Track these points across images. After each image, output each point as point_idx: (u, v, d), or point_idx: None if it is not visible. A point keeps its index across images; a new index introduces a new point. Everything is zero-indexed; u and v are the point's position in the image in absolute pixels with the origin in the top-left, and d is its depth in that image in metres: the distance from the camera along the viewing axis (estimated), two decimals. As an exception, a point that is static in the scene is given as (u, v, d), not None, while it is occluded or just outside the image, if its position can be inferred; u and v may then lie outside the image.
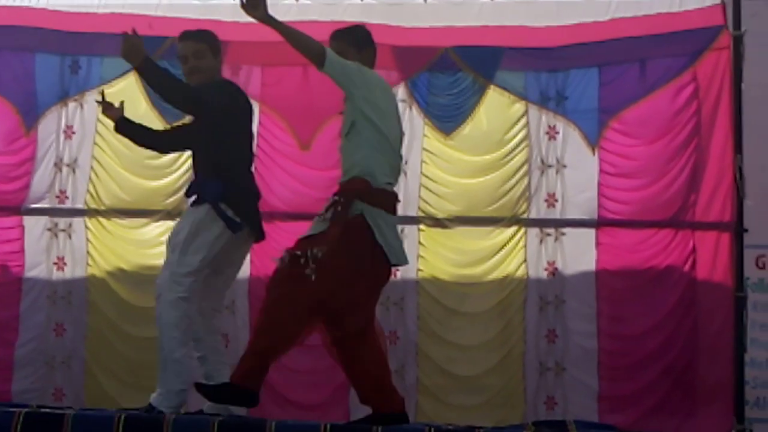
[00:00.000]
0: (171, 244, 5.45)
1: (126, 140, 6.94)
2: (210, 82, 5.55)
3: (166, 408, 5.19)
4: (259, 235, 5.66)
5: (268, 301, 5.09)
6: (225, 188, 5.39)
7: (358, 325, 5.12)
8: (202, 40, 5.62)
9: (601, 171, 7.22)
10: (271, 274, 5.18)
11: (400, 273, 7.01)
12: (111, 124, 7.08)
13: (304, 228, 7.02)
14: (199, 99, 5.39)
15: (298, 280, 4.91)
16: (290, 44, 5.12)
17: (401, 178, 6.96)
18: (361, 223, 5.04)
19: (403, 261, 5.35)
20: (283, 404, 7.03)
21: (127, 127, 5.92)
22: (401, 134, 5.46)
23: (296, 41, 5.13)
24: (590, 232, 7.20)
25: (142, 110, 7.39)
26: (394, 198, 5.30)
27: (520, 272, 7.13)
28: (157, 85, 5.36)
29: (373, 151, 5.12)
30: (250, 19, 6.95)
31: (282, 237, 7.11)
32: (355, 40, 5.40)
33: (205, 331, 5.52)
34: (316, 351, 6.79)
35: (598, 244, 7.17)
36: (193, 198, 5.59)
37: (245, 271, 7.16)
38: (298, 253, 4.97)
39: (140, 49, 5.21)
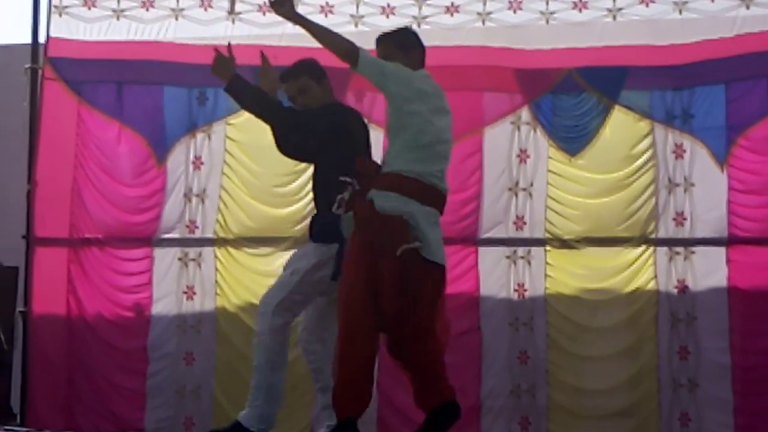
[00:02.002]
0: (290, 264, 6.03)
1: (254, 168, 8.72)
2: (317, 107, 6.13)
3: (254, 429, 5.84)
4: None
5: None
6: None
7: (402, 321, 5.55)
8: (301, 74, 6.20)
9: (730, 188, 8.71)
10: None
11: (527, 293, 8.61)
12: (238, 154, 8.93)
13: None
14: (294, 119, 6.05)
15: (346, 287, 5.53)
16: (321, 44, 5.65)
17: (526, 199, 8.67)
18: (400, 223, 5.52)
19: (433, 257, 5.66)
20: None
21: (237, 86, 6.13)
22: (450, 136, 5.84)
23: (327, 41, 5.65)
24: (720, 250, 8.70)
25: (268, 139, 8.99)
26: (428, 189, 5.63)
27: (650, 287, 8.62)
28: (248, 103, 6.10)
29: (409, 153, 5.58)
30: (371, 46, 8.71)
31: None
32: (400, 42, 5.83)
33: (326, 361, 6.07)
34: (446, 366, 8.44)
35: (729, 261, 8.66)
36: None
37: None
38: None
39: (230, 66, 6.01)
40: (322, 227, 6.01)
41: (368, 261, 5.50)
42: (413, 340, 5.65)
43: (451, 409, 5.72)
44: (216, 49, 6.11)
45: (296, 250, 6.31)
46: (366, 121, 8.70)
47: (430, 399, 5.72)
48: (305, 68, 6.29)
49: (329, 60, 8.66)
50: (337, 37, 5.70)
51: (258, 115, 6.20)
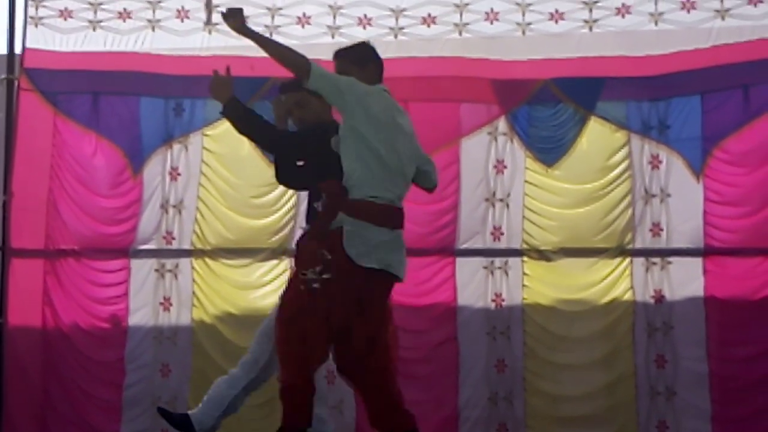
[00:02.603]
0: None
1: (231, 179, 8.72)
2: (312, 124, 6.12)
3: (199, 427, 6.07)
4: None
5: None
6: None
7: (363, 343, 5.62)
8: (301, 88, 5.94)
9: (707, 199, 8.76)
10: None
11: (505, 303, 8.65)
12: (215, 165, 8.93)
13: (407, 262, 8.75)
14: (288, 143, 6.01)
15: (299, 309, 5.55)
16: (272, 57, 5.62)
17: (503, 210, 8.69)
18: (339, 236, 5.52)
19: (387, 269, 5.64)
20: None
21: (235, 109, 6.03)
22: (411, 149, 5.84)
23: (278, 54, 5.63)
24: (697, 261, 8.75)
25: (245, 150, 9.07)
26: (383, 210, 5.62)
27: (627, 297, 8.67)
28: (244, 126, 5.97)
29: (360, 165, 5.56)
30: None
31: (386, 273, 8.78)
32: (356, 57, 5.87)
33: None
34: (422, 382, 8.51)
35: (705, 272, 8.71)
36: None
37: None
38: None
39: (228, 88, 5.96)
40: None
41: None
42: (361, 351, 5.65)
43: None
44: (215, 70, 6.04)
45: None
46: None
47: (389, 426, 5.73)
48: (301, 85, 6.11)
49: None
50: (287, 50, 5.69)
51: (254, 140, 6.27)
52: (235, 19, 5.68)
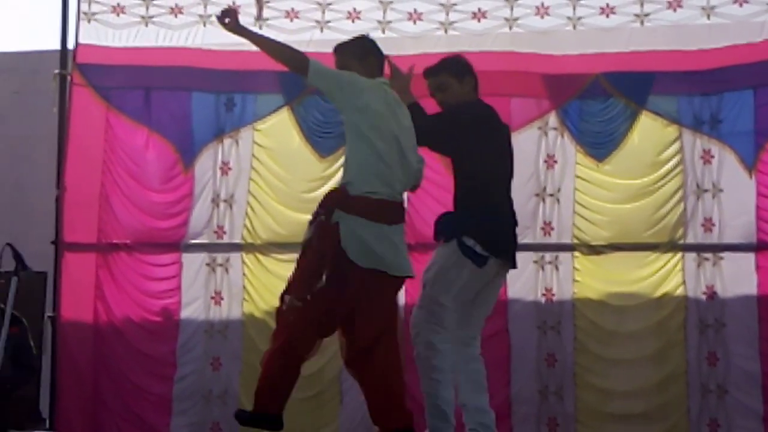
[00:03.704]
0: (423, 280, 6.04)
1: (281, 173, 8.74)
2: (448, 108, 6.18)
3: None
4: (512, 263, 6.21)
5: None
6: (468, 221, 5.94)
7: (365, 341, 5.72)
8: (442, 71, 6.26)
9: (759, 194, 8.68)
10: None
11: (555, 297, 8.61)
12: (266, 159, 8.96)
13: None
14: (428, 131, 6.02)
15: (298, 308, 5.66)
16: (271, 56, 5.75)
17: (554, 205, 8.66)
18: (335, 231, 5.62)
19: (392, 270, 5.72)
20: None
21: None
22: (411, 141, 5.90)
23: (276, 52, 5.76)
24: (749, 256, 8.67)
25: (295, 145, 9.11)
26: (381, 206, 5.68)
27: (679, 293, 8.61)
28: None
29: (358, 161, 5.69)
30: (400, 52, 8.76)
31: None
32: (355, 51, 5.99)
33: (463, 360, 6.08)
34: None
35: (758, 267, 8.63)
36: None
37: (400, 300, 8.81)
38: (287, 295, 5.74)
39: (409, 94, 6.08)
40: (440, 226, 6.12)
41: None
42: (364, 346, 5.74)
43: None
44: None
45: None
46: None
47: (390, 420, 5.73)
48: (447, 66, 6.33)
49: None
50: (286, 48, 5.81)
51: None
52: (229, 18, 5.79)
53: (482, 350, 8.50)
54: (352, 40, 6.26)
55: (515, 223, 6.23)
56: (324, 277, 5.62)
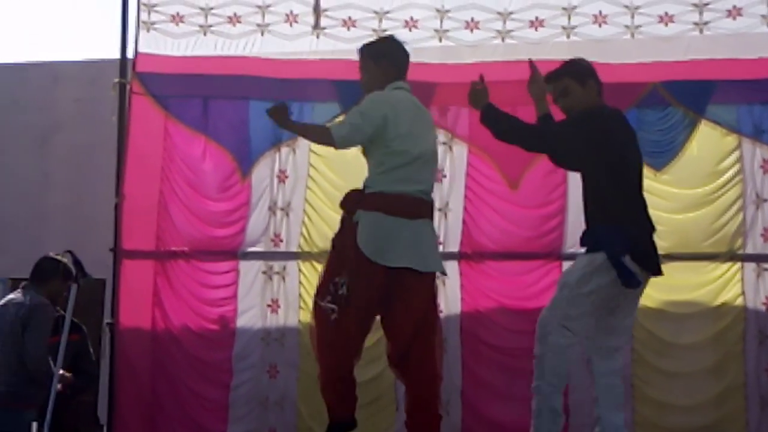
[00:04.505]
0: (561, 282, 6.03)
1: (337, 182, 8.72)
2: (574, 116, 6.13)
3: None
4: (657, 272, 6.16)
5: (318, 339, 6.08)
6: (625, 240, 5.88)
7: (402, 340, 5.98)
8: (564, 76, 6.26)
9: (818, 205, 8.54)
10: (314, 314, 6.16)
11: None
12: (322, 167, 8.94)
13: (513, 267, 8.77)
14: (548, 138, 6.12)
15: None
16: (307, 140, 6.51)
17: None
18: (353, 230, 5.95)
19: (408, 264, 5.94)
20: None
21: (491, 115, 6.26)
22: (433, 138, 6.42)
23: (310, 135, 6.40)
24: (810, 267, 8.53)
25: (352, 153, 8.99)
26: (399, 199, 6.00)
27: (738, 303, 8.49)
28: (501, 130, 6.18)
29: (382, 169, 6.03)
30: (457, 60, 8.76)
31: (492, 277, 8.79)
32: (373, 52, 6.27)
33: (602, 373, 6.05)
34: (530, 381, 8.43)
35: (818, 278, 8.49)
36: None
37: (456, 307, 8.82)
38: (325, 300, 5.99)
39: (485, 95, 6.22)
40: (588, 236, 6.05)
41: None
42: (400, 346, 5.98)
43: None
44: (473, 81, 6.32)
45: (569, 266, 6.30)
46: (450, 136, 8.86)
47: (416, 422, 6.06)
48: (569, 70, 6.31)
49: (414, 74, 8.89)
50: (316, 130, 6.35)
51: (513, 142, 6.27)
52: (279, 114, 6.05)
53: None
54: (374, 41, 6.56)
55: (654, 229, 6.16)
56: (346, 279, 5.86)
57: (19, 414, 7.68)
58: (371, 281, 5.90)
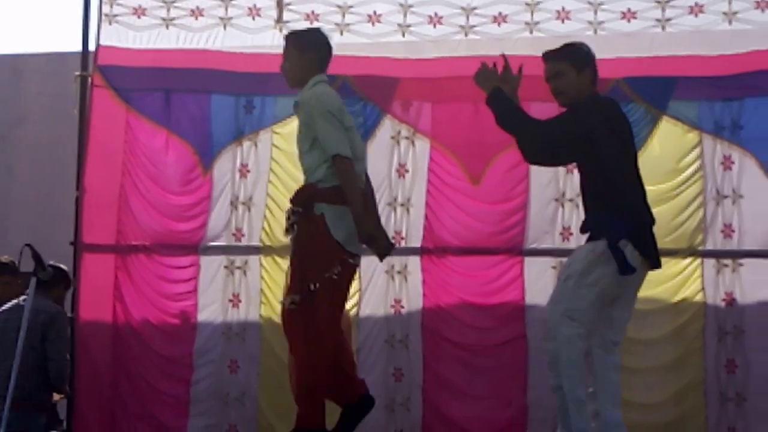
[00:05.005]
0: (565, 274, 6.00)
1: (299, 176, 8.61)
2: (572, 105, 6.09)
3: None
4: (657, 264, 6.10)
5: (294, 340, 6.06)
6: (626, 226, 5.85)
7: (346, 323, 6.36)
8: (562, 59, 6.14)
9: (779, 201, 8.51)
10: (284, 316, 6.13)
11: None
12: (284, 162, 8.87)
13: (475, 263, 8.72)
14: (545, 130, 6.07)
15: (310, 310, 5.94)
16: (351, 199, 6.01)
17: (573, 210, 8.61)
18: (321, 223, 6.02)
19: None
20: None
21: (497, 100, 6.24)
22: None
23: (347, 185, 6.05)
24: (770, 263, 8.50)
25: (314, 148, 8.99)
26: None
27: (698, 299, 8.48)
28: (504, 117, 6.16)
29: (324, 159, 6.11)
30: (420, 55, 8.71)
31: (454, 272, 8.74)
32: (296, 42, 6.38)
33: (604, 367, 5.91)
34: (490, 379, 8.42)
35: (778, 274, 8.46)
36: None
37: (418, 304, 8.77)
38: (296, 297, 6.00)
39: (494, 79, 6.21)
40: (589, 223, 6.00)
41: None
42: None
43: (367, 400, 6.17)
44: (483, 62, 6.32)
45: (569, 256, 6.31)
46: (413, 131, 8.83)
47: (346, 395, 6.14)
48: (568, 53, 6.19)
49: (377, 68, 8.85)
50: (342, 181, 6.06)
51: (512, 132, 6.22)
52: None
53: (499, 356, 8.56)
54: (303, 30, 6.66)
55: (654, 221, 6.14)
56: (332, 270, 5.94)
57: (32, 418, 7.79)
58: (351, 270, 6.11)
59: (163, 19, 9.32)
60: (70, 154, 9.84)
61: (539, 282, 8.69)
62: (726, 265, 8.58)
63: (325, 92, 6.27)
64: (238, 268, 9.15)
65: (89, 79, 9.28)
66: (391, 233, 8.80)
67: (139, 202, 9.22)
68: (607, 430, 5.82)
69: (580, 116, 5.95)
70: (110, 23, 9.33)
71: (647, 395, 8.43)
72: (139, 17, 9.32)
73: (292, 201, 6.28)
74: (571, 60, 6.11)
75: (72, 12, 18.74)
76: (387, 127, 9.02)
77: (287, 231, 6.20)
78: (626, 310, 6.06)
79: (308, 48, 6.33)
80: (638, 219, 5.95)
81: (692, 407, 8.45)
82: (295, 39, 6.41)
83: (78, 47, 9.56)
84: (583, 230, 6.09)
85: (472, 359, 8.63)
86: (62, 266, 8.24)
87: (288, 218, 6.21)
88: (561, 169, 8.77)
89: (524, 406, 8.58)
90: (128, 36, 9.32)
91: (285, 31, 8.79)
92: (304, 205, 6.11)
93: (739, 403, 8.43)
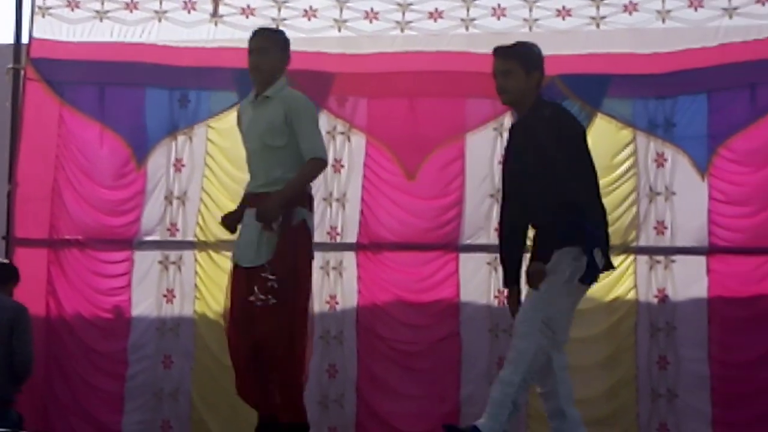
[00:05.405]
0: (545, 282, 5.82)
1: (234, 172, 8.57)
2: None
3: None
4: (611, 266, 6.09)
5: (272, 337, 6.10)
6: (598, 234, 5.85)
7: None
8: (513, 58, 6.03)
9: (711, 198, 8.58)
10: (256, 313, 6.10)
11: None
12: (219, 157, 8.80)
13: (411, 258, 8.68)
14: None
15: (282, 307, 6.06)
16: (302, 187, 6.23)
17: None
18: (305, 230, 6.26)
19: None
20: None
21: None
22: None
23: (307, 180, 6.29)
24: (701, 260, 8.57)
25: (249, 144, 8.89)
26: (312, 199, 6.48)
27: (630, 297, 8.47)
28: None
29: (293, 164, 6.25)
30: (356, 51, 8.66)
31: (390, 268, 8.70)
32: (282, 43, 6.54)
33: (559, 367, 5.96)
34: (424, 376, 8.39)
35: (709, 271, 8.53)
36: None
37: (352, 300, 8.71)
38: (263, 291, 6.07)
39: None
40: (563, 230, 5.82)
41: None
42: None
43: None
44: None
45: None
46: (348, 126, 8.78)
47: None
48: (520, 53, 6.09)
49: (313, 63, 8.77)
50: (306, 175, 6.27)
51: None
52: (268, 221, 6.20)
53: (433, 353, 8.55)
54: (277, 29, 6.95)
55: (607, 225, 6.12)
56: (307, 270, 6.31)
57: (5, 414, 7.82)
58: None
59: (97, 12, 9.19)
60: (2, 147, 9.67)
61: (474, 279, 8.69)
62: (659, 262, 8.60)
63: (305, 96, 6.48)
64: (173, 263, 9.06)
65: (22, 72, 9.16)
66: (326, 229, 8.78)
67: (72, 196, 9.10)
68: (575, 427, 5.90)
69: (552, 126, 5.90)
70: (43, 16, 9.20)
71: (580, 392, 8.32)
72: (72, 10, 9.19)
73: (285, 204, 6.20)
74: (521, 60, 6.03)
75: (4, 4, 18.42)
76: (323, 122, 8.85)
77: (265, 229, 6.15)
78: (573, 310, 6.06)
79: (287, 48, 6.53)
80: (604, 227, 5.97)
81: (624, 403, 8.47)
82: (278, 36, 6.56)
83: (10, 39, 9.44)
84: (558, 237, 5.87)
85: (406, 357, 8.61)
86: (6, 261, 8.28)
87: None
88: (497, 166, 8.71)
89: (457, 403, 8.55)
90: (62, 29, 9.19)
91: (220, 25, 8.88)
92: (289, 211, 6.17)
93: (671, 399, 8.47)
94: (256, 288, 6.02)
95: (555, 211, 5.78)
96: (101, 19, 9.18)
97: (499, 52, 6.09)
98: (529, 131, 5.96)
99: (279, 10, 9.03)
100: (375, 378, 8.64)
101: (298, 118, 6.24)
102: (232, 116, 8.83)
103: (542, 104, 6.03)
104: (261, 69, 6.42)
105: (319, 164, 6.26)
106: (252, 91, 6.53)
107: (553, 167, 5.76)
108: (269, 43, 6.45)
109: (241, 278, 6.23)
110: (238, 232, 6.41)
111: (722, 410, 8.31)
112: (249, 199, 6.39)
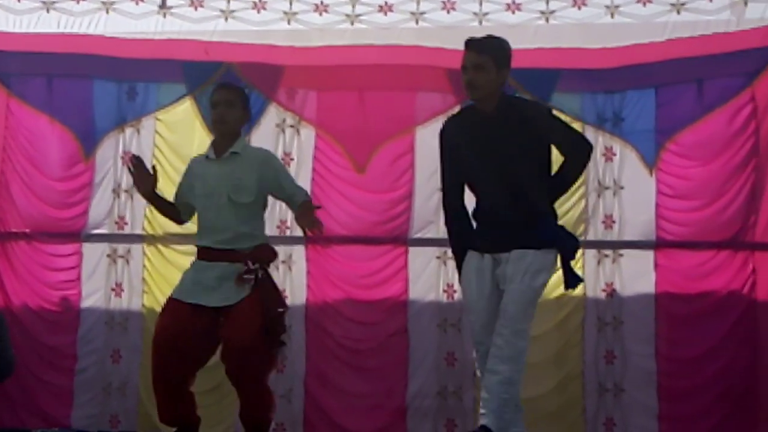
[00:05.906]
0: (526, 286, 6.05)
1: (180, 165, 8.44)
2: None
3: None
4: None
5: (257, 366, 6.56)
6: (573, 240, 6.29)
7: None
8: (486, 52, 6.06)
9: (659, 192, 8.57)
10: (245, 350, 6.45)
11: (457, 294, 8.41)
12: (167, 150, 8.69)
13: (361, 252, 8.62)
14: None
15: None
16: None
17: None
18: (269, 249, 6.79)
19: None
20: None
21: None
22: None
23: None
24: (648, 254, 8.56)
25: (198, 135, 8.82)
26: None
27: (578, 292, 8.39)
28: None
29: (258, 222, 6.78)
30: (306, 43, 8.56)
31: (339, 262, 8.62)
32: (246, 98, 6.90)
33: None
34: (373, 373, 8.33)
35: (656, 265, 8.53)
36: None
37: (302, 296, 8.64)
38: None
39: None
40: (541, 231, 5.98)
41: None
42: None
43: None
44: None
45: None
46: (298, 119, 8.70)
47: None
48: (493, 48, 6.09)
49: (262, 56, 8.66)
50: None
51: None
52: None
53: (382, 350, 8.50)
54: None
55: None
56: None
57: None
58: None
59: (44, 2, 9.03)
60: (-52, 139, 9.51)
61: (423, 273, 8.65)
62: (607, 256, 8.58)
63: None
64: (121, 256, 8.96)
65: (-33, 64, 8.98)
66: (275, 222, 8.70)
67: (19, 188, 8.99)
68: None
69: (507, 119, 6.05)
70: (-12, 6, 9.03)
71: (530, 388, 8.31)
72: (18, 0, 9.01)
73: (252, 259, 6.54)
74: (494, 56, 6.06)
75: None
76: (272, 114, 8.86)
77: (240, 281, 6.45)
78: None
79: (249, 104, 6.89)
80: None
81: (571, 398, 8.45)
82: (243, 92, 6.84)
83: (-46, 30, 9.24)
84: (538, 238, 6.01)
85: (354, 354, 8.57)
86: None
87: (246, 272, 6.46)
88: (446, 160, 8.67)
89: (405, 398, 8.51)
90: (8, 20, 9.03)
91: (168, 17, 8.74)
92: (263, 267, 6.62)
93: (617, 394, 8.46)
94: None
95: (547, 210, 6.06)
96: (48, 10, 9.03)
97: (473, 45, 6.04)
98: (530, 123, 6.16)
99: (228, 1, 8.90)
100: (323, 374, 8.58)
101: (276, 172, 6.67)
102: (180, 108, 8.87)
103: (520, 99, 6.46)
104: (227, 121, 6.57)
105: (311, 203, 6.65)
106: (209, 147, 6.79)
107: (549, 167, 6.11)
108: (234, 96, 6.62)
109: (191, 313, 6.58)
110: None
111: (668, 405, 8.32)
112: (211, 255, 6.64)
